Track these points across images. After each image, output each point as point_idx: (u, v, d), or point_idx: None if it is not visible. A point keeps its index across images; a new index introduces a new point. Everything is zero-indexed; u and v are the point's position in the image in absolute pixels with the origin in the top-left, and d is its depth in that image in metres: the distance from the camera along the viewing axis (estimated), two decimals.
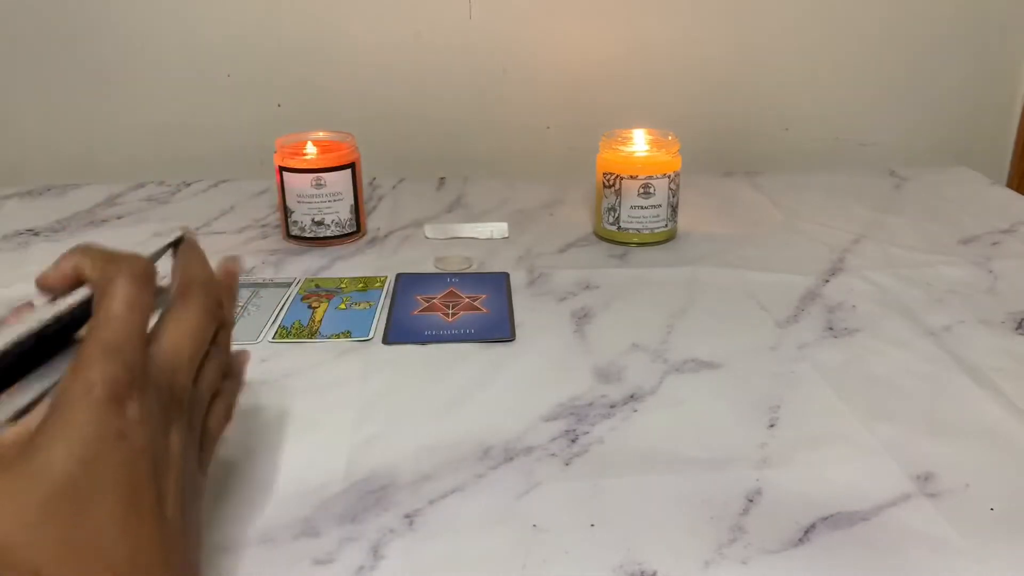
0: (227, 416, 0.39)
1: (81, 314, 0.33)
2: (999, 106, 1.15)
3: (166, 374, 0.33)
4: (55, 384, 0.31)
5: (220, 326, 0.37)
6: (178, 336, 0.34)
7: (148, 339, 0.32)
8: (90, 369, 0.30)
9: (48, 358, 0.33)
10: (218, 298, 0.37)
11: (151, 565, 0.30)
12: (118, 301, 0.31)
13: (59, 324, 0.33)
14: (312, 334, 0.64)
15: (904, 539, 0.43)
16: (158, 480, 0.31)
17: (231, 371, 0.40)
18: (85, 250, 0.34)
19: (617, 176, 0.79)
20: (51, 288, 0.34)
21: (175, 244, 0.38)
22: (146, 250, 0.36)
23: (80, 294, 0.33)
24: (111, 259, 0.33)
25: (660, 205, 0.79)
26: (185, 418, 0.33)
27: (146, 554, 0.30)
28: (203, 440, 0.36)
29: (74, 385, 0.29)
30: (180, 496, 0.32)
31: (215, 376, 0.37)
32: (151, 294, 0.33)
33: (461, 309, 0.67)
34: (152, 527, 0.30)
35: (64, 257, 0.34)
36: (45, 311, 0.32)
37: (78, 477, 0.28)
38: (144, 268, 0.33)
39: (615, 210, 0.80)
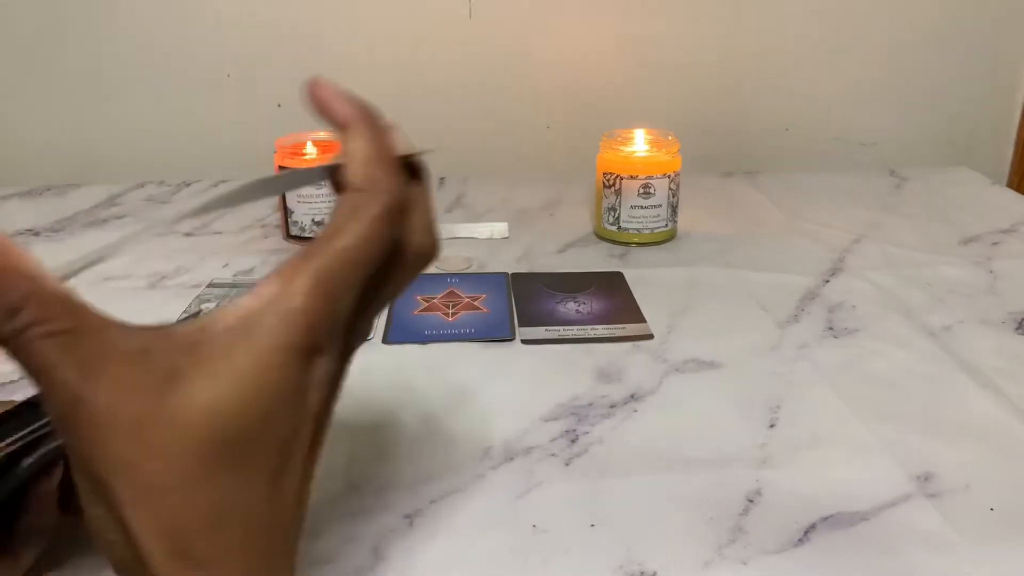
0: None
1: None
2: (999, 106, 1.15)
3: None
4: None
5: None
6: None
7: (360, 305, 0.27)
8: (294, 299, 0.25)
9: None
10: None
11: (284, 546, 0.26)
12: (358, 237, 0.26)
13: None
14: None
15: (904, 539, 0.43)
16: (310, 454, 0.27)
17: None
18: (375, 136, 0.29)
19: (617, 176, 0.79)
20: (319, 102, 0.31)
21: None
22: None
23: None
24: (386, 171, 0.28)
25: (660, 205, 0.79)
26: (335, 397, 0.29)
27: (280, 534, 0.25)
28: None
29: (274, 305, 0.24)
30: (310, 474, 0.28)
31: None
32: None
33: (461, 309, 0.67)
34: (292, 506, 0.26)
35: (355, 124, 0.30)
36: None
37: (246, 429, 0.24)
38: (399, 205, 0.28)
39: (615, 210, 0.80)
